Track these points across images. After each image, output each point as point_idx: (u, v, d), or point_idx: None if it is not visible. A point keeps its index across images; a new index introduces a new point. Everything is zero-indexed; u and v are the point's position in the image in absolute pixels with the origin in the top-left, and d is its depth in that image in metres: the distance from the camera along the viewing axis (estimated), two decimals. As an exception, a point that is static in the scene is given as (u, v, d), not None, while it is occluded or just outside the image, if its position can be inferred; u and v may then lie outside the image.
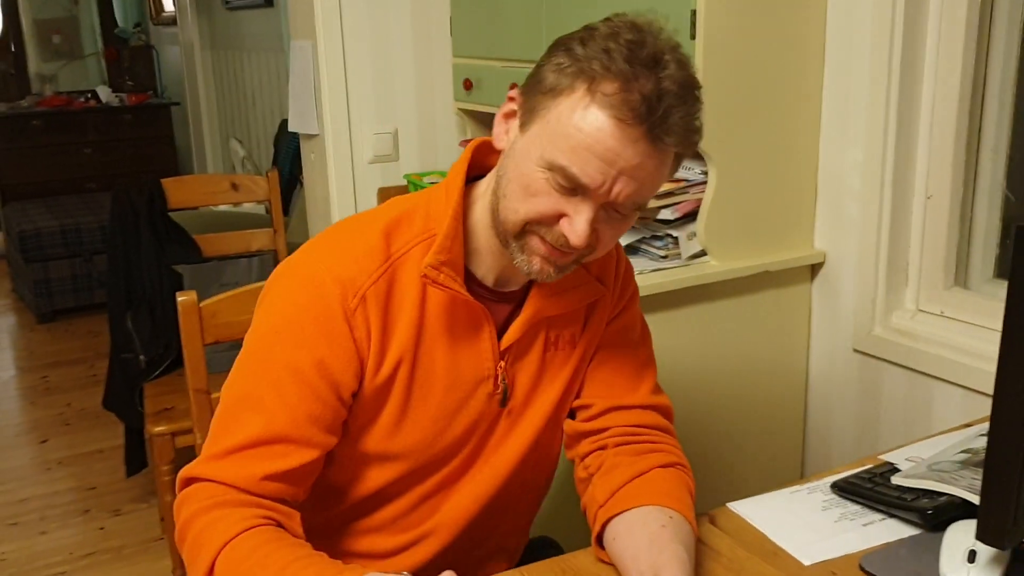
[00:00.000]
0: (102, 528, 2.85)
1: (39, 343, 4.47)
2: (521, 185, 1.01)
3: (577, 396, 1.24)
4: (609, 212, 1.01)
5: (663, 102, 0.94)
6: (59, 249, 4.64)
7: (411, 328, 1.09)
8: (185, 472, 1.06)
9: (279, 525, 1.02)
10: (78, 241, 4.67)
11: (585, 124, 0.95)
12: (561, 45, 1.00)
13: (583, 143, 0.95)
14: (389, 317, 1.07)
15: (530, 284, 1.15)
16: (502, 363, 1.15)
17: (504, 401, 1.17)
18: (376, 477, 1.16)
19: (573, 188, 0.98)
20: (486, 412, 1.16)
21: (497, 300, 1.15)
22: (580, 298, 1.18)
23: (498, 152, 1.08)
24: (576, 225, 0.99)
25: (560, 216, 1.00)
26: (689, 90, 0.97)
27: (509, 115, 1.06)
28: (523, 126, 1.02)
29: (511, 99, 1.06)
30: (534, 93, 1.00)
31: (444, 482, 1.19)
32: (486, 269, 1.13)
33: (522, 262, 1.05)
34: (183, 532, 1.03)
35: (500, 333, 1.15)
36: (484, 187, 1.12)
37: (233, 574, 0.96)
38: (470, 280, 1.12)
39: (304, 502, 1.10)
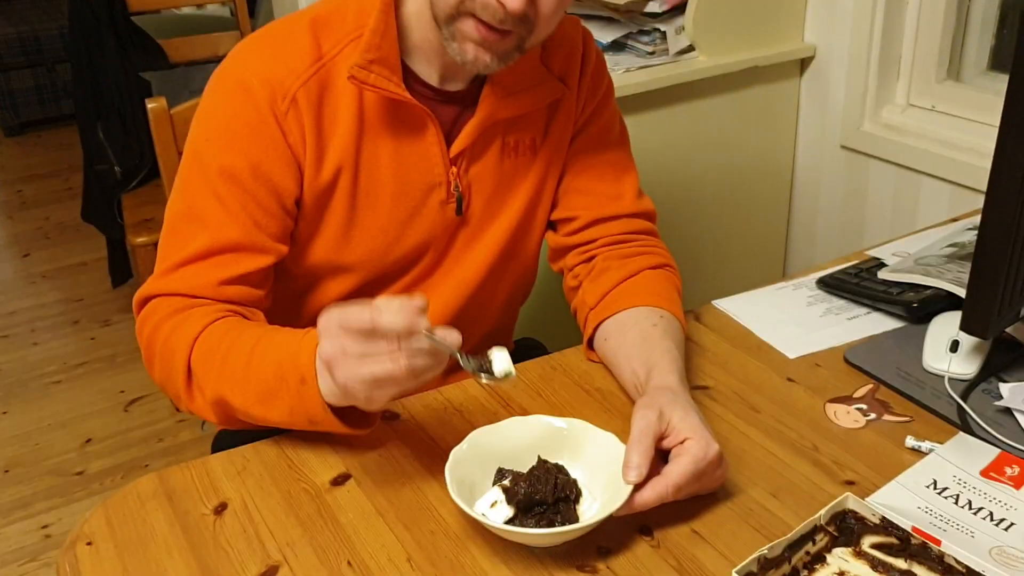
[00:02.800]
0: (93, 338, 2.89)
1: (9, 157, 4.37)
2: None
3: (554, 207, 1.20)
4: None
5: None
6: (19, 58, 4.45)
7: (349, 133, 1.03)
8: (139, 294, 1.03)
9: (244, 318, 1.01)
10: (38, 50, 4.48)
11: None
12: None
13: None
14: (323, 120, 1.02)
15: (481, 85, 1.08)
16: (454, 169, 1.09)
17: (460, 210, 1.12)
18: (330, 290, 1.13)
19: None
20: (441, 222, 1.12)
21: (444, 101, 1.08)
22: (538, 98, 1.11)
23: None
24: None
25: None
26: None
27: None
28: None
29: None
30: None
31: (403, 294, 1.16)
32: (429, 67, 1.06)
33: (455, 51, 0.98)
34: (150, 349, 1.00)
35: (451, 138, 1.09)
36: None
37: (209, 367, 0.95)
38: (411, 79, 1.05)
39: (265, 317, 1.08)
